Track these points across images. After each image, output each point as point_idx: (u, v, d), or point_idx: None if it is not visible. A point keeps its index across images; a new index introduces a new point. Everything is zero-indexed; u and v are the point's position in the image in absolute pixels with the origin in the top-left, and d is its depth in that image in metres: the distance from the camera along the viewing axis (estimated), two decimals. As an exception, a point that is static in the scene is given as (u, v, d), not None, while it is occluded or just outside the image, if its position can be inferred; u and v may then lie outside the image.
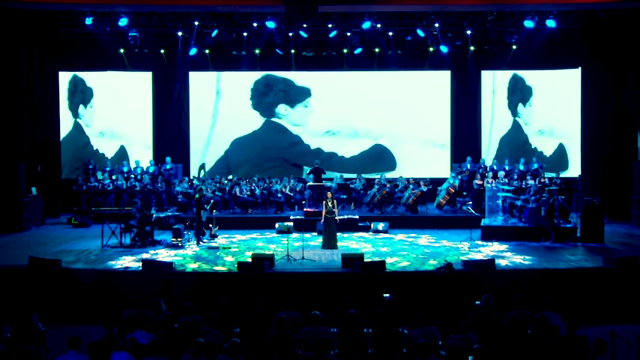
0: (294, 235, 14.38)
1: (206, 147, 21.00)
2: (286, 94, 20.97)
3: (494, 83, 20.89)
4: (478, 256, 13.11)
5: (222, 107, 20.94)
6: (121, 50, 19.22)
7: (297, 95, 20.98)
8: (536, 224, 15.00)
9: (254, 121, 20.98)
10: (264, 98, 20.94)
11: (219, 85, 20.94)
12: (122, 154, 20.59)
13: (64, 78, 20.16)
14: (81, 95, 20.54)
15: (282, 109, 20.92)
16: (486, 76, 20.85)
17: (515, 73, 20.78)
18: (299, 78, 20.91)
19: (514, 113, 20.90)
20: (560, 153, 20.73)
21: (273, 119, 20.97)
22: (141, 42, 18.64)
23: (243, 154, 20.97)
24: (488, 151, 20.81)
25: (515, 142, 20.91)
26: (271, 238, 15.74)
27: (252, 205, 18.02)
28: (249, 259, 12.44)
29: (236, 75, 20.78)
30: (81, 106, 20.58)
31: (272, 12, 17.24)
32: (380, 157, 20.94)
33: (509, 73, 20.80)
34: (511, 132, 20.98)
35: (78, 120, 20.58)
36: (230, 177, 19.00)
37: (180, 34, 18.74)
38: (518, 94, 20.87)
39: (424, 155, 20.91)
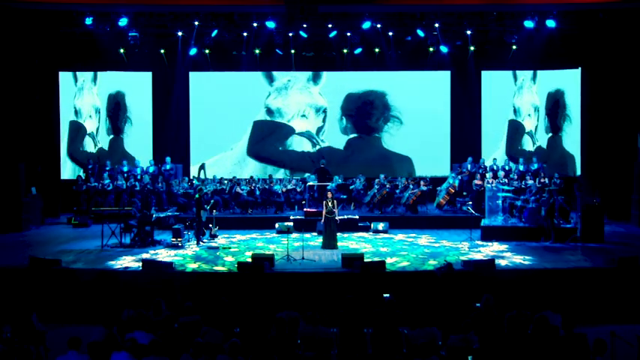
0: (294, 235, 14.38)
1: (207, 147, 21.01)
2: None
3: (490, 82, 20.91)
4: (478, 256, 13.12)
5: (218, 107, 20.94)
6: (121, 50, 19.20)
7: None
8: (536, 224, 15.00)
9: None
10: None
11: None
12: (122, 154, 20.56)
13: (65, 77, 20.19)
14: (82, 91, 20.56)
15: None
16: (486, 76, 20.84)
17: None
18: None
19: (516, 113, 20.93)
20: (561, 153, 20.71)
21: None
22: (141, 42, 18.63)
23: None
24: (489, 152, 20.79)
25: (514, 141, 20.91)
26: (271, 238, 15.74)
27: (252, 205, 18.02)
28: (249, 259, 12.45)
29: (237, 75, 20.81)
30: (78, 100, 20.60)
31: (272, 12, 17.25)
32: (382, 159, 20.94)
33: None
34: (510, 131, 20.98)
35: (76, 117, 20.59)
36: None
37: (180, 34, 18.72)
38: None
39: (424, 155, 20.88)
